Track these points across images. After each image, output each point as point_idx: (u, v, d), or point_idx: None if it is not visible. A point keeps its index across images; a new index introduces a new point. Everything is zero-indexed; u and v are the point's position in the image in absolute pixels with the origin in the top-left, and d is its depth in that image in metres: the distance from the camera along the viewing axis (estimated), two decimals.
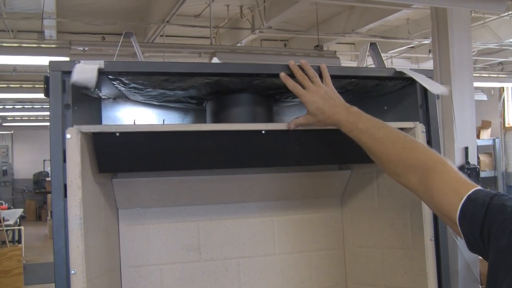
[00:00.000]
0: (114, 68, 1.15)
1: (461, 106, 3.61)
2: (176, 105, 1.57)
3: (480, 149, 7.04)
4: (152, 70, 1.18)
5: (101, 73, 1.13)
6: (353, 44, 7.56)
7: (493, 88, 9.22)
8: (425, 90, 1.38)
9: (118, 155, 1.22)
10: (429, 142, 1.36)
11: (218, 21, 5.92)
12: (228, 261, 1.56)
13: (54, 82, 1.11)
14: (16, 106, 10.11)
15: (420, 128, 1.35)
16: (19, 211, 8.02)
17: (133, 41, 1.58)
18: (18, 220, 7.23)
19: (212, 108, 1.48)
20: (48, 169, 13.05)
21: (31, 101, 9.62)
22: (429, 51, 6.15)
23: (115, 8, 5.49)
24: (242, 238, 1.58)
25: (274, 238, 1.62)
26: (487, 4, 3.40)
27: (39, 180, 13.44)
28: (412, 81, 1.38)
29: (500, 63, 8.46)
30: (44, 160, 13.50)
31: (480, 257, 0.92)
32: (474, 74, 4.06)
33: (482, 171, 6.51)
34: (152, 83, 1.27)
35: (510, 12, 4.98)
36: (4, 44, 4.62)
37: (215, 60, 4.88)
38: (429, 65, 7.11)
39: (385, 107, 1.50)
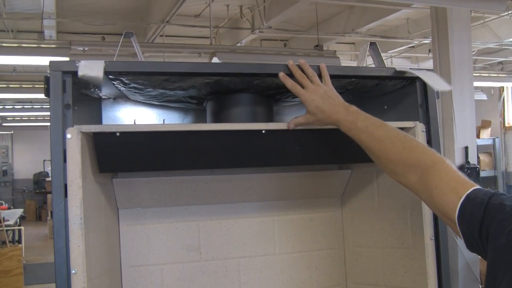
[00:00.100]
0: (114, 68, 1.15)
1: (461, 105, 3.62)
2: (176, 105, 1.57)
3: (480, 149, 7.04)
4: (152, 70, 1.18)
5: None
6: (353, 44, 7.56)
7: (493, 87, 9.23)
8: (425, 90, 1.38)
9: (118, 155, 1.22)
10: (429, 141, 1.36)
11: (218, 21, 5.92)
12: (229, 261, 1.56)
13: (54, 82, 1.11)
14: (16, 106, 10.11)
15: (420, 127, 1.35)
16: (19, 211, 8.02)
17: (133, 41, 1.58)
18: (18, 220, 7.22)
19: (212, 108, 1.48)
20: (48, 169, 13.06)
21: (31, 101, 9.62)
22: (429, 51, 6.15)
23: (115, 8, 5.49)
24: (243, 238, 1.58)
25: (274, 238, 1.62)
26: (487, 4, 3.41)
27: (39, 180, 13.44)
28: (412, 81, 1.38)
29: (500, 62, 8.45)
30: (44, 160, 13.50)
31: (480, 256, 0.92)
32: (474, 74, 4.06)
33: (482, 170, 6.50)
34: (152, 83, 1.27)
35: (510, 12, 4.98)
36: (4, 44, 4.63)
37: (215, 60, 4.88)
38: (429, 64, 7.11)
39: (385, 107, 1.50)
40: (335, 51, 5.98)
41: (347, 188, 1.65)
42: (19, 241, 6.75)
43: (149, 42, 5.73)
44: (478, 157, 4.30)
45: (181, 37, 6.48)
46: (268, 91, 1.41)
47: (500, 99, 9.32)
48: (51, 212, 1.15)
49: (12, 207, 9.15)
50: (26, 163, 13.86)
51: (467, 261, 3.46)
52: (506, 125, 9.29)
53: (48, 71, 1.11)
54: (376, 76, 1.36)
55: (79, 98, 1.18)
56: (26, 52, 4.65)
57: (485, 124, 8.67)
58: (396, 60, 7.68)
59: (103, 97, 1.45)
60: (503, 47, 7.03)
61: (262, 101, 1.45)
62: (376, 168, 1.32)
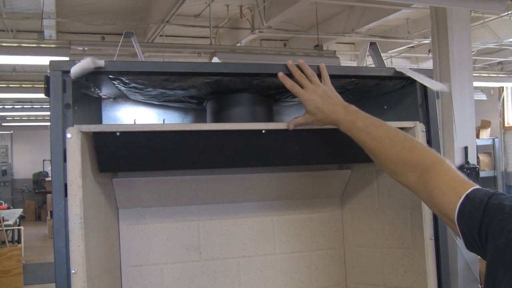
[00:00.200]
0: (114, 67, 1.15)
1: (461, 105, 3.61)
2: (176, 104, 1.57)
3: (480, 149, 7.05)
4: (152, 70, 1.18)
5: (101, 72, 1.13)
6: (353, 44, 7.56)
7: (493, 87, 9.23)
8: (425, 90, 1.38)
9: (118, 155, 1.22)
10: (428, 141, 1.36)
11: (218, 21, 5.92)
12: (228, 260, 1.56)
13: (54, 81, 1.11)
14: (15, 106, 10.11)
15: (420, 127, 1.35)
16: (19, 211, 8.01)
17: (134, 41, 1.58)
18: (17, 220, 7.22)
19: (212, 107, 1.48)
20: (47, 169, 13.05)
21: (31, 101, 9.62)
22: (429, 51, 6.15)
23: (115, 8, 5.49)
24: (242, 237, 1.58)
25: (274, 237, 1.62)
26: (487, 4, 3.41)
27: (38, 180, 13.43)
28: (412, 81, 1.38)
29: (500, 62, 8.46)
30: (44, 160, 13.50)
31: (479, 256, 0.92)
32: (473, 74, 4.06)
33: (481, 170, 6.52)
34: (153, 83, 1.27)
35: (509, 12, 4.98)
36: (4, 44, 4.63)
37: (215, 59, 4.88)
38: (428, 64, 7.11)
39: (385, 107, 1.50)
40: (335, 51, 5.98)
41: (347, 188, 1.65)
42: (19, 241, 6.75)
43: (149, 42, 5.73)
44: (477, 157, 4.30)
45: (181, 37, 6.48)
46: (268, 91, 1.41)
47: (500, 99, 9.32)
48: (51, 212, 1.15)
49: (11, 207, 9.14)
50: (26, 163, 13.85)
51: (467, 261, 3.46)
52: (506, 125, 9.30)
53: (48, 71, 1.11)
54: (376, 76, 1.36)
55: (79, 97, 1.18)
56: (26, 52, 4.65)
57: (484, 124, 8.68)
58: (396, 60, 7.69)
59: (103, 96, 1.45)
60: (503, 47, 7.03)
61: (262, 101, 1.45)
62: (376, 168, 1.32)
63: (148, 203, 1.48)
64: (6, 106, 10.22)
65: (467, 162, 3.64)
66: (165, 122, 1.58)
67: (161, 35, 5.68)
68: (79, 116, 1.16)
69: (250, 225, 1.59)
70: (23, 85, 7.40)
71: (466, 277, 3.49)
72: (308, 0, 4.94)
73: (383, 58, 1.62)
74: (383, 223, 1.51)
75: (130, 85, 1.29)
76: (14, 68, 7.05)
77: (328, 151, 1.39)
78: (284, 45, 7.03)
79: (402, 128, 1.20)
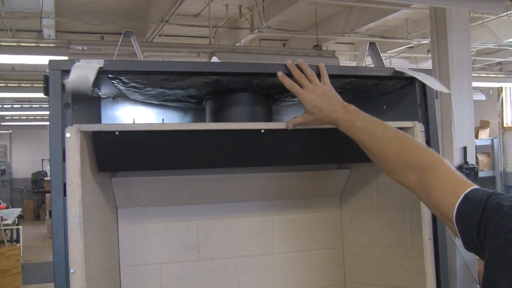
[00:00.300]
0: (113, 67, 1.15)
1: (460, 106, 3.62)
2: (176, 104, 1.57)
3: (479, 149, 7.06)
4: (151, 69, 1.18)
5: (100, 72, 1.13)
6: (352, 44, 7.57)
7: (492, 88, 9.25)
8: (424, 90, 1.38)
9: (117, 154, 1.22)
10: (428, 141, 1.36)
11: (217, 20, 5.92)
12: (227, 260, 1.56)
13: (53, 81, 1.11)
14: (14, 106, 10.11)
15: (419, 127, 1.35)
16: (18, 211, 8.00)
17: (133, 41, 1.58)
18: (16, 219, 7.21)
19: (212, 107, 1.48)
20: (46, 168, 13.04)
21: (30, 100, 9.62)
22: (428, 51, 6.16)
23: (114, 8, 5.49)
24: (241, 237, 1.58)
25: (273, 237, 1.62)
26: (486, 4, 3.41)
27: (37, 180, 13.42)
28: (411, 81, 1.38)
29: (499, 63, 8.47)
30: (43, 160, 13.48)
31: (477, 256, 0.92)
32: (472, 74, 4.06)
33: (480, 171, 6.53)
34: (152, 82, 1.27)
35: (509, 12, 4.99)
36: (3, 43, 4.62)
37: (214, 59, 4.88)
38: (428, 64, 7.11)
39: (384, 107, 1.51)
40: (334, 51, 5.98)
41: (346, 187, 1.65)
42: (17, 241, 6.73)
43: (148, 42, 5.73)
44: (476, 158, 4.31)
45: (180, 36, 6.48)
46: (267, 91, 1.41)
47: (499, 100, 9.34)
48: (49, 211, 1.16)
49: (10, 207, 9.12)
50: (25, 162, 13.84)
51: (466, 261, 3.47)
52: (505, 125, 9.32)
53: (47, 70, 1.11)
54: (375, 76, 1.36)
55: (78, 97, 1.18)
56: (25, 51, 4.65)
57: (483, 125, 8.69)
58: (395, 60, 7.69)
59: (102, 96, 1.45)
60: (502, 47, 7.04)
61: (261, 101, 1.45)
62: (375, 168, 1.32)
63: (147, 202, 1.48)
64: (5, 106, 10.21)
65: (466, 162, 3.64)
66: (164, 122, 1.58)
67: (160, 35, 5.68)
68: (78, 115, 1.16)
69: (249, 224, 1.59)
70: (22, 85, 7.39)
71: (465, 277, 3.50)
72: (307, 0, 4.94)
73: (382, 58, 1.62)
74: (382, 223, 1.51)
75: (130, 85, 1.29)
76: (13, 67, 7.04)
77: (327, 151, 1.39)
78: (283, 45, 7.04)
79: (401, 128, 1.20)
